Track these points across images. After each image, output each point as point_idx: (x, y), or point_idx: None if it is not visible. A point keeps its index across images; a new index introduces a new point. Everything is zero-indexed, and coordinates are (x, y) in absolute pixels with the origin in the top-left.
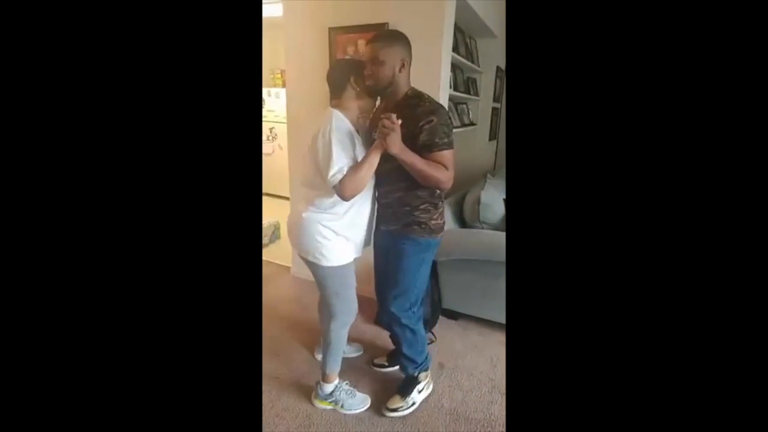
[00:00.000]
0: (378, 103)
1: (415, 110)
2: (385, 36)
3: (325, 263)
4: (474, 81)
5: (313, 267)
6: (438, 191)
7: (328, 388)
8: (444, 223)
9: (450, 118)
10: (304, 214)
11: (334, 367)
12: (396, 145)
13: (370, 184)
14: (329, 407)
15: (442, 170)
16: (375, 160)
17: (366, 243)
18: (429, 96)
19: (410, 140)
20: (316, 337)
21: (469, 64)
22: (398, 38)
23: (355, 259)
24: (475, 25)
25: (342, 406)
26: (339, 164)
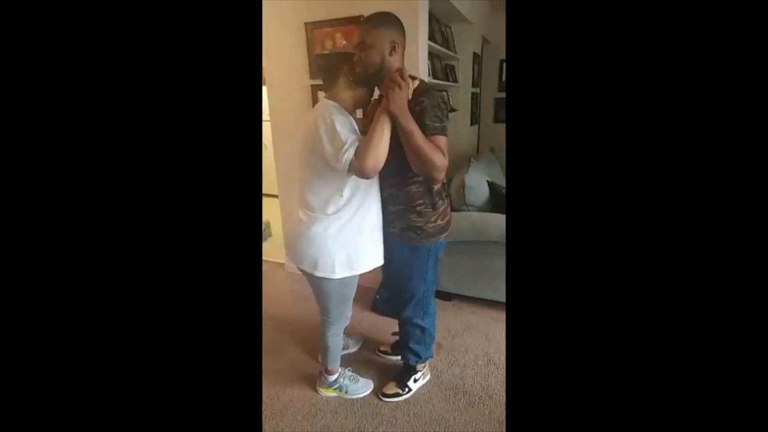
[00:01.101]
0: (376, 94)
1: None
2: (372, 18)
3: (330, 276)
4: (452, 68)
5: (315, 280)
6: (436, 188)
7: (331, 378)
8: (447, 222)
9: (444, 102)
10: (307, 223)
11: (334, 364)
12: (399, 105)
13: (373, 184)
14: (334, 394)
15: (438, 154)
16: (385, 124)
17: (377, 259)
18: (422, 80)
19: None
20: (313, 333)
21: (447, 51)
22: (386, 19)
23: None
24: (450, 12)
25: (346, 392)
26: (348, 140)
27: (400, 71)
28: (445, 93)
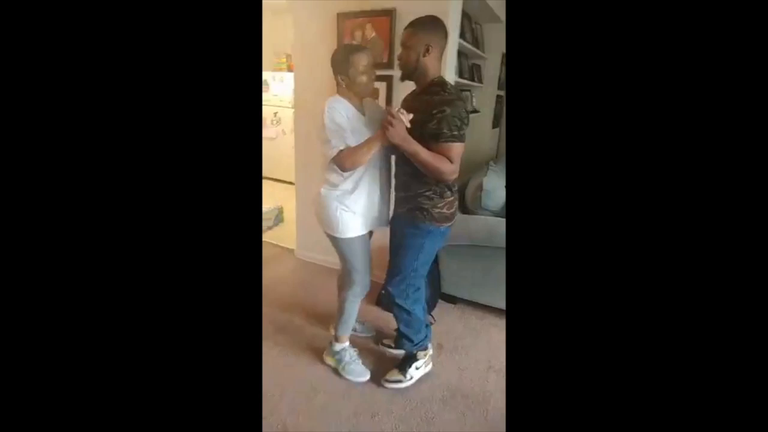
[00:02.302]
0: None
1: (433, 97)
2: (417, 21)
3: (339, 235)
4: (478, 67)
5: (331, 239)
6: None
7: (338, 346)
8: (452, 214)
9: (466, 112)
10: (321, 192)
11: (344, 331)
12: (397, 137)
13: (375, 166)
14: (333, 365)
15: (445, 162)
16: (374, 145)
17: (381, 222)
18: (453, 86)
19: (421, 127)
20: (319, 314)
21: (475, 50)
22: (426, 23)
23: (370, 233)
24: (482, 10)
25: (344, 369)
26: (334, 143)
27: (390, 113)
28: (468, 93)
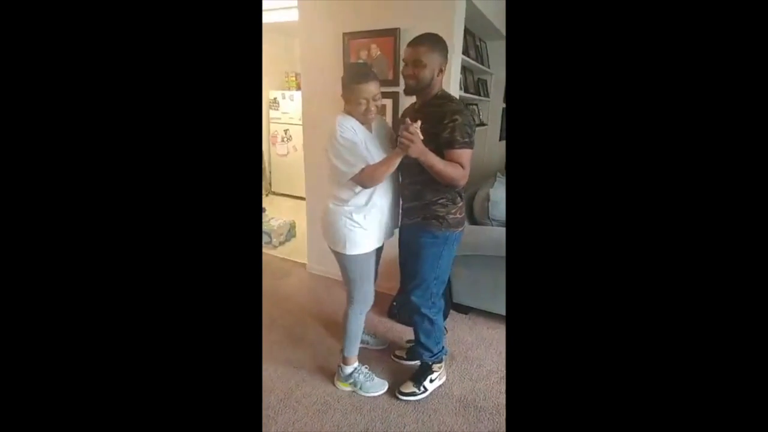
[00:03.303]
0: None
1: (442, 108)
2: (429, 39)
3: (347, 252)
4: (484, 82)
5: (337, 256)
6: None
7: (348, 369)
8: (463, 218)
9: (473, 119)
10: (330, 207)
11: (352, 350)
12: (417, 151)
13: (389, 180)
14: (348, 389)
15: (458, 169)
16: (396, 161)
17: (387, 235)
18: (456, 98)
19: (434, 136)
20: (331, 328)
21: (479, 65)
22: (440, 44)
23: (377, 249)
24: (485, 27)
25: (360, 388)
26: (352, 163)
27: (408, 128)
28: (475, 107)
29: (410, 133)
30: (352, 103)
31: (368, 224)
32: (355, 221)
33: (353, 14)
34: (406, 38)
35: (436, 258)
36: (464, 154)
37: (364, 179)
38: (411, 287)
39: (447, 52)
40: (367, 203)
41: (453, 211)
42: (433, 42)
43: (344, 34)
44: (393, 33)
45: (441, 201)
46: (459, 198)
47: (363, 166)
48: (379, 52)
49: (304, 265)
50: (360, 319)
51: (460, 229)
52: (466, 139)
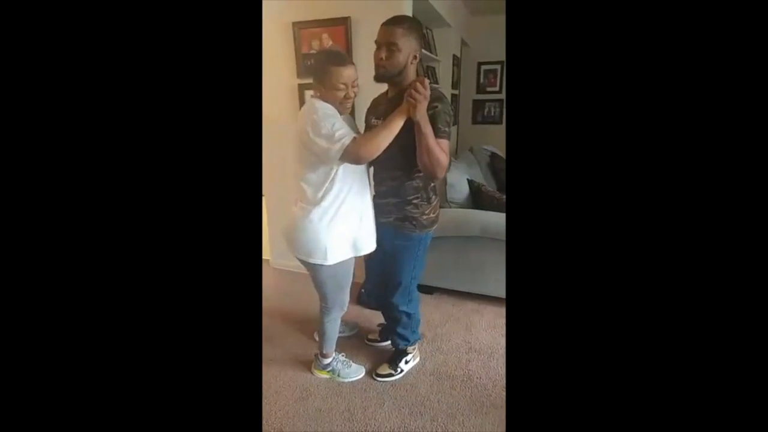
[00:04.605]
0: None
1: None
2: (406, 22)
3: (319, 262)
4: (433, 69)
5: (311, 267)
6: (432, 183)
7: (325, 360)
8: (437, 216)
9: (451, 108)
10: (301, 215)
11: (329, 348)
12: (422, 112)
13: (362, 176)
14: (327, 376)
15: (444, 154)
16: (397, 125)
17: (368, 245)
18: (433, 85)
19: (414, 125)
20: (300, 322)
21: (429, 54)
22: (418, 28)
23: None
24: (432, 16)
25: (339, 375)
26: (337, 137)
27: (423, 81)
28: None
29: (423, 87)
30: (328, 89)
31: (343, 228)
32: (326, 226)
33: (302, 3)
34: (356, 27)
35: (412, 260)
36: (444, 144)
37: (359, 149)
38: (391, 290)
39: (423, 38)
40: (338, 204)
41: (427, 211)
42: (410, 25)
43: (294, 23)
44: (344, 22)
45: (415, 201)
46: (434, 197)
47: (353, 137)
48: (331, 42)
49: (267, 260)
50: (336, 323)
51: (433, 229)
52: (446, 129)
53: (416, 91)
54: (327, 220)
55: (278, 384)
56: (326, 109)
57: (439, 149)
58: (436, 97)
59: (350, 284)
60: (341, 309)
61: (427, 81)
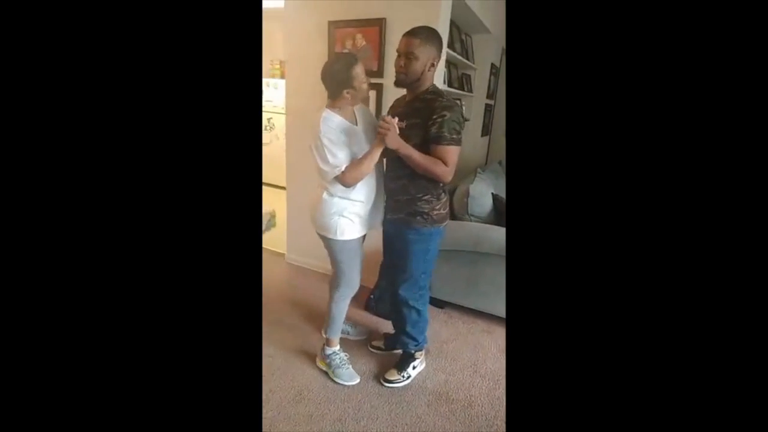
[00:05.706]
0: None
1: (432, 104)
2: (424, 32)
3: (337, 237)
4: (468, 77)
5: (327, 241)
6: (441, 183)
7: (329, 350)
8: (447, 213)
9: (462, 117)
10: (321, 198)
11: (333, 334)
12: (393, 142)
13: (373, 172)
14: (324, 368)
15: (440, 165)
16: (376, 155)
17: (375, 224)
18: (447, 94)
19: (422, 131)
20: (309, 316)
21: (464, 60)
22: (435, 37)
23: (363, 237)
24: (471, 22)
25: (333, 372)
26: (334, 162)
27: (384, 119)
28: (458, 101)
29: (386, 122)
30: (357, 90)
31: (356, 214)
32: (345, 211)
33: (339, 2)
34: (392, 29)
35: (423, 253)
36: (450, 151)
37: (347, 178)
38: (399, 282)
39: (441, 47)
40: (358, 195)
41: (437, 207)
42: (428, 35)
43: (330, 22)
44: (379, 23)
45: (425, 197)
46: (443, 194)
47: (345, 166)
48: (364, 42)
49: (282, 255)
50: (344, 303)
51: (443, 225)
52: (454, 136)
53: (380, 126)
54: (344, 205)
55: (274, 384)
56: (330, 131)
57: (431, 161)
58: (446, 106)
59: (360, 264)
60: (348, 287)
61: (390, 117)
